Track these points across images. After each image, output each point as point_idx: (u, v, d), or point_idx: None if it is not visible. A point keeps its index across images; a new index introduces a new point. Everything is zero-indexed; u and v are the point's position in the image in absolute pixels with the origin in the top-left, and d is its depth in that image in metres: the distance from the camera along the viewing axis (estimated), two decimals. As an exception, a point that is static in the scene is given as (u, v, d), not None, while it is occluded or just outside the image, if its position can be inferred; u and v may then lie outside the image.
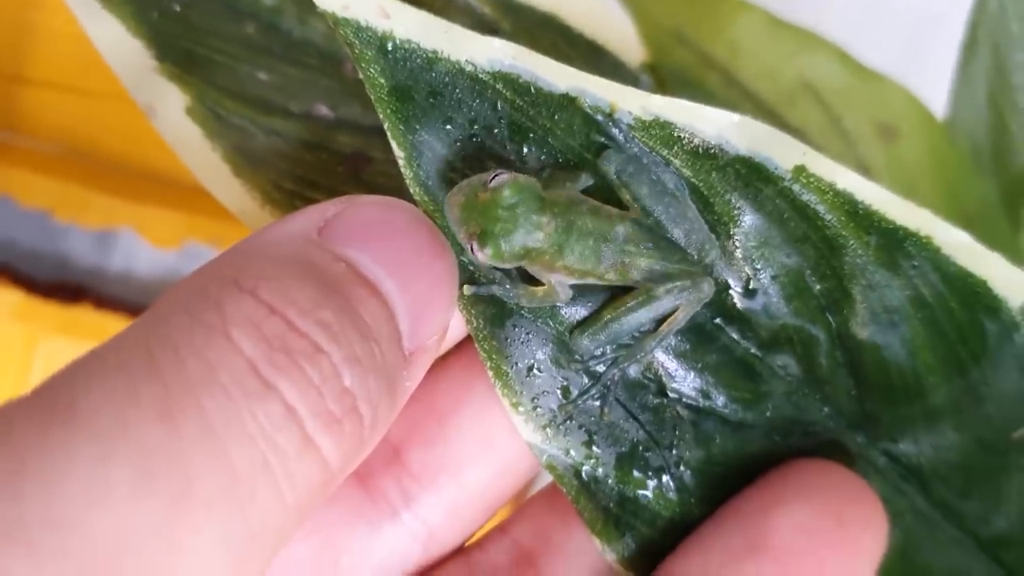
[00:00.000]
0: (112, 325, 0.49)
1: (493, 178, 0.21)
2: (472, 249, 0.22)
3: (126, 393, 0.16)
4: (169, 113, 0.26)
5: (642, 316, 0.23)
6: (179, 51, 0.27)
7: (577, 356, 0.24)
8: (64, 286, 0.50)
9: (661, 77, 0.30)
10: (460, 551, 0.25)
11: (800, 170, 0.23)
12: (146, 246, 0.50)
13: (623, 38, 0.30)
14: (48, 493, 0.15)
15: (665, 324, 0.23)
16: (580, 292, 0.23)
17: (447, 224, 0.23)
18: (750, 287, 0.24)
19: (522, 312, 0.23)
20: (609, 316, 0.23)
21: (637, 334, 0.23)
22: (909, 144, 0.31)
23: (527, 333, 0.24)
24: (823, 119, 0.31)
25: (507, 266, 0.22)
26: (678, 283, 0.23)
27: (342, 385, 0.18)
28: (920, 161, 0.32)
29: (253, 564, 0.17)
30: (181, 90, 0.27)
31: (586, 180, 0.23)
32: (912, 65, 0.33)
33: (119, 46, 0.27)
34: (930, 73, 0.34)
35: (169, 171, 0.50)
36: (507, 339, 0.23)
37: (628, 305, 0.23)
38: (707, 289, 0.23)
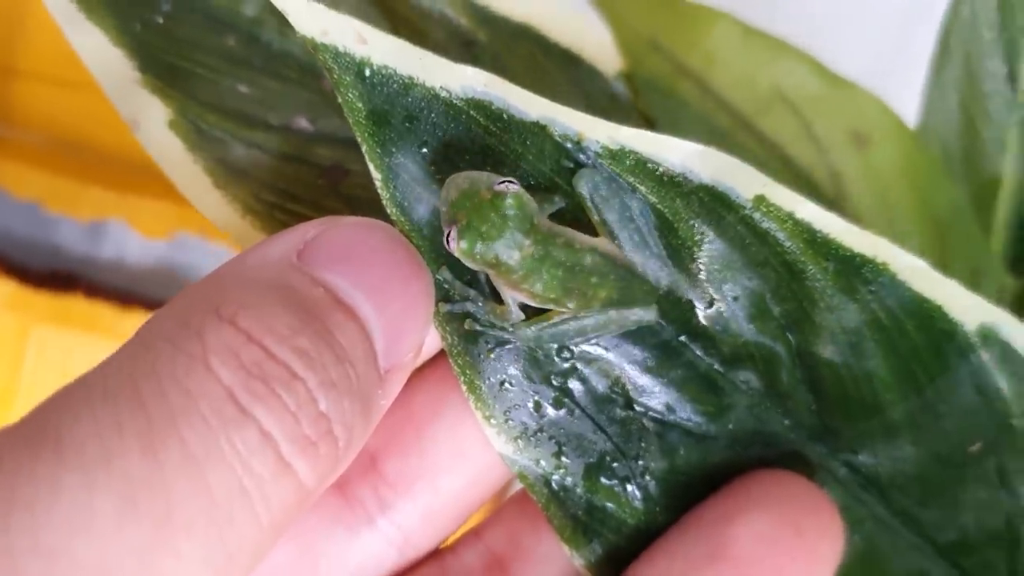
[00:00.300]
0: (103, 314, 0.50)
1: (503, 183, 0.22)
2: (449, 235, 0.22)
3: (111, 425, 0.17)
4: (152, 127, 0.27)
5: (587, 324, 0.24)
6: (161, 64, 0.27)
7: (512, 334, 0.24)
8: (56, 275, 0.51)
9: (636, 86, 0.30)
10: (434, 555, 0.26)
11: (761, 199, 0.23)
12: (137, 237, 0.50)
13: (599, 47, 0.30)
14: (34, 522, 0.16)
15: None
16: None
17: (424, 244, 0.23)
18: (713, 307, 0.25)
19: (492, 329, 0.24)
20: (557, 318, 0.24)
21: (578, 339, 0.24)
22: (881, 151, 0.32)
23: (499, 350, 0.24)
24: (796, 127, 0.31)
25: (472, 266, 0.23)
26: (629, 309, 0.24)
27: (317, 410, 0.19)
28: (891, 167, 0.32)
29: None
30: (163, 103, 0.27)
31: (559, 202, 0.24)
32: (884, 73, 0.34)
33: (103, 57, 0.27)
34: (902, 81, 0.35)
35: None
36: (480, 355, 0.24)
37: (577, 315, 0.24)
38: (647, 317, 0.24)
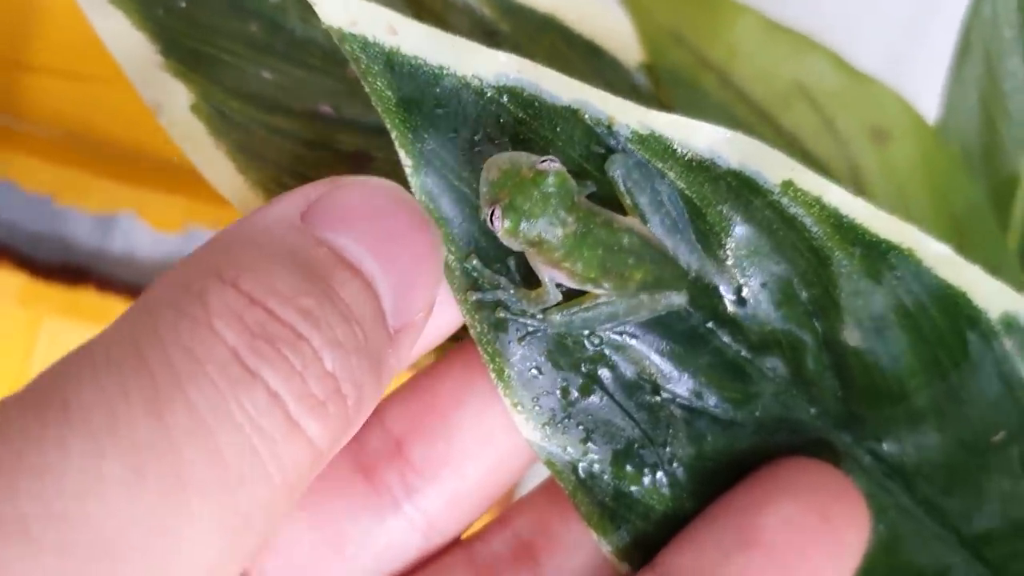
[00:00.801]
0: (114, 307, 0.49)
1: (544, 161, 0.22)
2: (491, 215, 0.22)
3: (116, 389, 0.17)
4: (175, 110, 0.27)
5: (618, 309, 0.24)
6: (184, 49, 0.27)
7: (542, 321, 0.24)
8: (67, 268, 0.51)
9: (658, 77, 0.30)
10: (462, 543, 0.26)
11: (788, 184, 0.24)
12: (148, 230, 0.50)
13: (621, 38, 0.31)
14: (44, 488, 0.16)
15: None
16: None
17: (452, 233, 0.23)
18: (741, 293, 0.25)
19: (523, 316, 0.24)
20: (588, 303, 0.24)
21: (608, 325, 0.24)
22: (900, 147, 0.32)
23: (528, 337, 0.24)
24: (816, 121, 0.32)
25: (514, 246, 0.23)
26: (660, 292, 0.24)
27: (324, 368, 0.19)
28: (910, 163, 0.32)
29: (247, 544, 0.18)
30: (186, 87, 0.27)
31: (590, 187, 0.24)
32: (905, 69, 0.34)
33: (126, 42, 0.27)
34: (922, 77, 0.35)
35: (170, 156, 0.50)
36: (509, 343, 0.24)
37: (608, 299, 0.24)
38: (678, 301, 0.24)
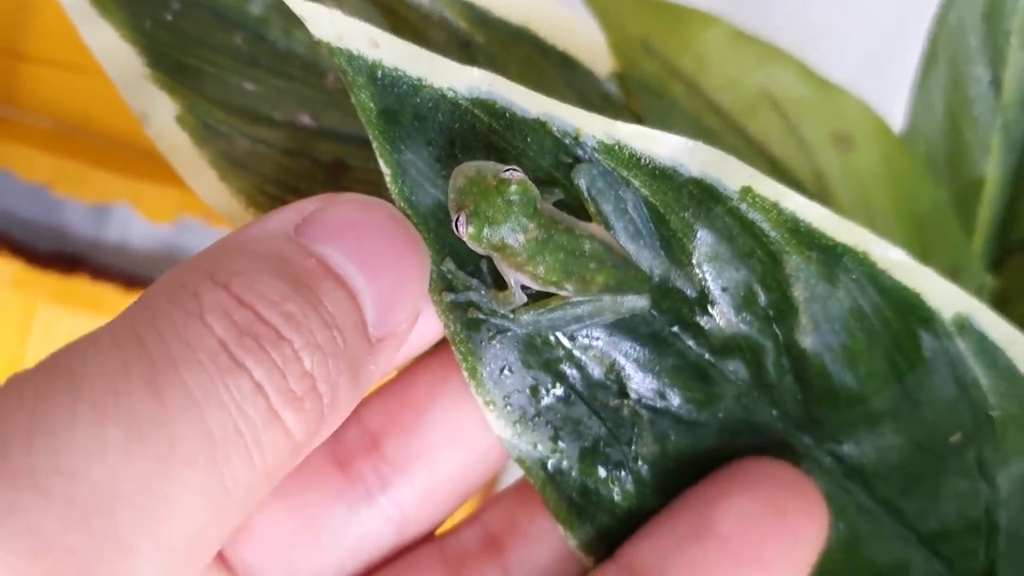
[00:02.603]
0: (108, 295, 0.51)
1: (507, 170, 0.23)
2: (457, 220, 0.23)
3: (118, 366, 0.19)
4: (161, 121, 0.28)
5: (583, 311, 0.25)
6: (170, 60, 0.28)
7: (512, 320, 0.25)
8: (62, 256, 0.52)
9: (628, 86, 0.31)
10: (434, 538, 0.27)
11: (747, 191, 0.25)
12: (141, 220, 0.51)
13: (593, 49, 0.31)
14: (55, 447, 0.18)
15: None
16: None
17: (429, 236, 0.25)
18: (704, 297, 0.26)
19: (493, 317, 0.25)
20: (555, 304, 0.25)
21: (575, 325, 0.25)
22: (863, 152, 0.33)
23: (499, 337, 0.25)
24: (782, 128, 0.32)
25: (479, 250, 0.24)
26: (623, 296, 0.25)
27: (303, 368, 0.20)
28: (874, 168, 0.33)
29: (229, 517, 0.20)
30: (172, 99, 0.28)
31: (558, 195, 0.25)
32: (872, 77, 0.34)
33: (114, 54, 0.28)
34: (890, 85, 0.36)
35: (164, 148, 0.51)
36: (481, 342, 0.25)
37: (573, 301, 0.25)
38: (640, 304, 0.25)
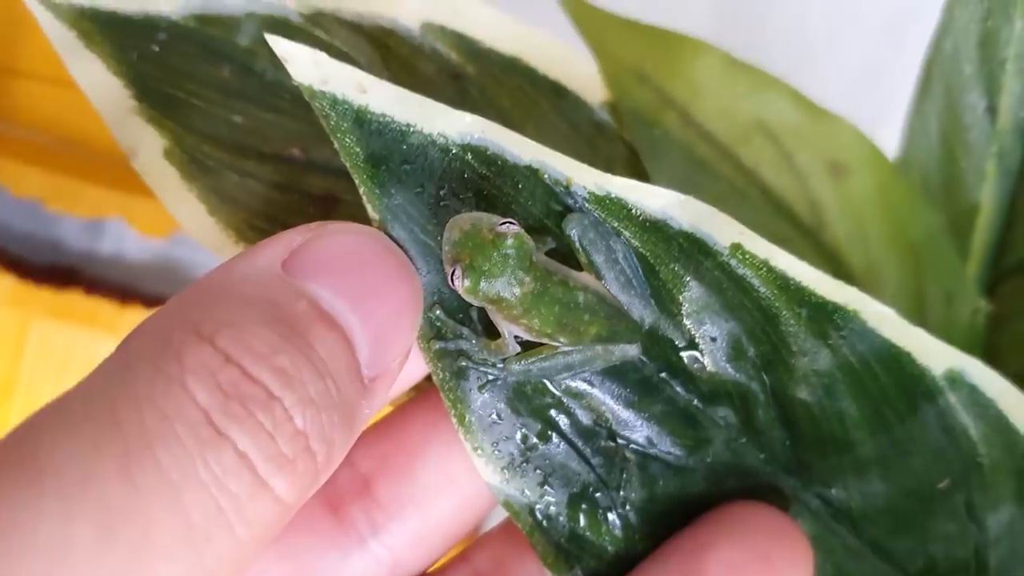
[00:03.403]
0: (103, 309, 0.50)
1: (504, 223, 0.23)
2: (452, 274, 0.23)
3: (89, 447, 0.18)
4: (148, 157, 0.28)
5: (574, 360, 0.25)
6: (158, 93, 0.28)
7: (502, 370, 0.25)
8: (56, 270, 0.51)
9: (621, 116, 0.31)
10: None
11: (737, 247, 0.24)
12: (135, 235, 0.51)
13: (585, 78, 0.31)
14: (12, 551, 0.17)
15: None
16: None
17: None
18: (693, 346, 0.26)
19: (483, 365, 0.25)
20: (547, 353, 0.25)
21: (565, 374, 0.25)
22: (858, 180, 0.33)
23: (489, 385, 0.25)
24: (776, 157, 0.32)
25: (474, 302, 0.24)
26: (614, 344, 0.25)
27: (295, 428, 0.19)
28: (868, 196, 0.33)
29: None
30: (159, 133, 0.28)
31: (550, 244, 0.25)
32: (867, 104, 0.34)
33: (102, 87, 0.28)
34: (885, 112, 0.35)
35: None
36: (470, 390, 0.25)
37: (564, 350, 0.25)
38: (632, 352, 0.25)
